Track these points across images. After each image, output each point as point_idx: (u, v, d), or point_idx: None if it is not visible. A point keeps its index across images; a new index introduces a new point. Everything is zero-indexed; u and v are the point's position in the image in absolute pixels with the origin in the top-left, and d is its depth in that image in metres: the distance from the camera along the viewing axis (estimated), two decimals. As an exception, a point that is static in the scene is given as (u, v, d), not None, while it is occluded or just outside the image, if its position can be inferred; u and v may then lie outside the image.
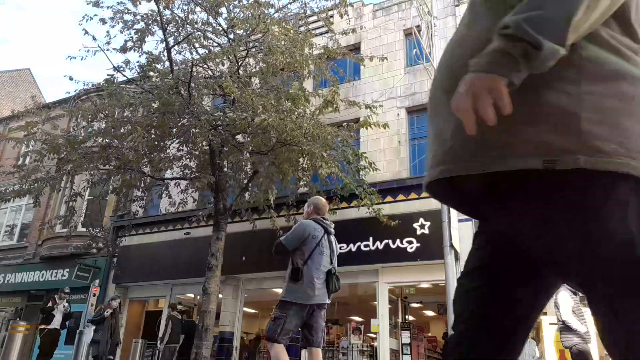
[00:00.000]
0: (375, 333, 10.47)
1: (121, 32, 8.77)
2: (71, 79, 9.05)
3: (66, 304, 10.16)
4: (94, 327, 9.95)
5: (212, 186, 9.52)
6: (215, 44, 9.94)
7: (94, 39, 8.45)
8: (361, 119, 9.36)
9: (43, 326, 9.81)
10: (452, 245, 8.39)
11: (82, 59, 8.61)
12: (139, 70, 9.12)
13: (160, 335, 11.06)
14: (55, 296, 10.16)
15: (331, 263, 4.11)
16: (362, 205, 9.26)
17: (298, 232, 4.08)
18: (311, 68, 9.73)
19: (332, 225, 4.36)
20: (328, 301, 3.99)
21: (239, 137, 9.58)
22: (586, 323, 6.15)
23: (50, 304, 9.95)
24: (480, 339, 1.13)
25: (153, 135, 9.12)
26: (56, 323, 9.89)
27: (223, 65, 9.77)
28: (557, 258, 0.99)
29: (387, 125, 9.31)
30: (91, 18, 8.53)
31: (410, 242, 10.13)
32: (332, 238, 4.29)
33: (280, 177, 9.64)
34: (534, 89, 0.94)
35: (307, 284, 3.86)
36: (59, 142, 9.45)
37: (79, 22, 8.64)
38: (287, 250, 4.06)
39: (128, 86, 10.03)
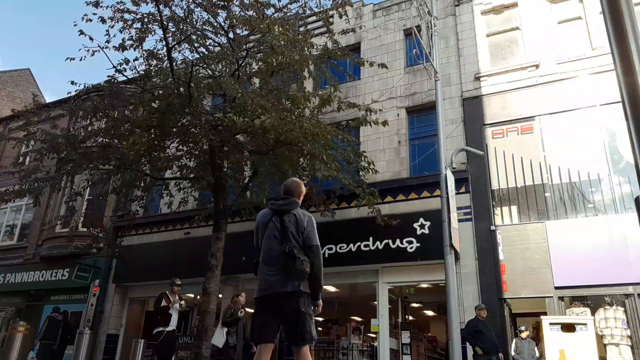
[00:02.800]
0: (375, 333, 10.47)
1: (120, 32, 8.76)
2: (73, 83, 9.02)
3: (182, 302, 8.59)
4: (225, 329, 8.57)
5: (212, 186, 9.52)
6: (215, 44, 9.94)
7: (91, 39, 8.42)
8: (360, 117, 9.36)
9: (161, 328, 8.22)
10: (452, 245, 8.39)
11: (81, 60, 8.58)
12: (140, 70, 9.11)
13: (38, 332, 12.20)
14: (167, 292, 8.54)
15: (285, 243, 3.48)
16: (362, 205, 9.27)
17: (255, 229, 3.79)
18: (311, 68, 9.73)
19: (285, 204, 3.69)
20: (287, 288, 3.39)
21: (239, 137, 9.58)
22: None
23: (164, 303, 8.32)
24: None
25: (153, 135, 9.12)
26: (173, 324, 8.38)
27: (223, 65, 9.77)
28: None
29: (387, 122, 9.31)
30: (90, 20, 8.52)
31: (410, 242, 10.13)
32: (287, 217, 3.60)
33: (279, 177, 9.64)
34: None
35: (260, 275, 3.55)
36: (58, 141, 9.45)
37: (73, 23, 8.61)
38: (258, 248, 3.73)
39: (128, 86, 10.03)
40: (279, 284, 3.40)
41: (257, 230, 3.75)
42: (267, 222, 3.66)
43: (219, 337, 8.54)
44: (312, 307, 3.49)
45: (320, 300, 3.53)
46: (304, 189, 3.91)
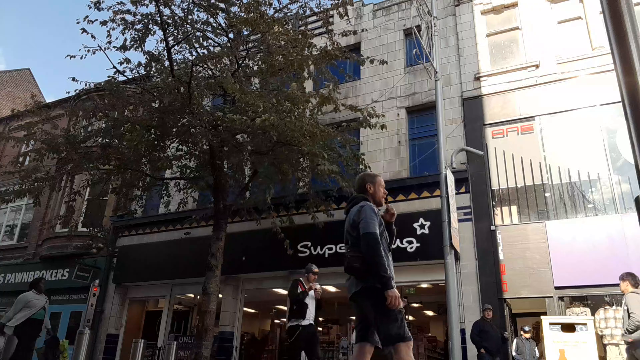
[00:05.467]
0: (375, 333, 10.45)
1: (122, 34, 8.76)
2: (74, 79, 9.01)
3: (317, 286, 6.83)
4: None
5: (212, 186, 9.52)
6: (215, 44, 9.94)
7: (93, 38, 8.43)
8: (360, 118, 9.36)
9: (295, 322, 6.45)
10: (452, 245, 8.39)
11: (81, 58, 8.59)
12: (140, 70, 9.12)
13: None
14: (302, 279, 6.84)
15: (347, 243, 3.36)
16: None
17: None
18: (311, 69, 9.73)
19: (352, 204, 3.46)
20: (354, 289, 3.22)
21: (239, 137, 9.58)
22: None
23: (300, 290, 6.61)
24: None
25: (153, 136, 9.12)
26: (310, 316, 6.57)
27: (223, 64, 9.77)
28: None
29: (385, 126, 9.32)
30: (91, 21, 8.52)
31: (410, 242, 10.13)
32: (349, 215, 3.40)
33: (279, 178, 9.65)
34: None
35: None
36: (58, 141, 9.45)
37: (76, 21, 8.61)
38: None
39: (128, 86, 10.03)
40: (349, 287, 3.27)
41: None
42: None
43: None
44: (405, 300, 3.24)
45: (390, 290, 3.01)
46: (369, 179, 3.55)
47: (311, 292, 6.64)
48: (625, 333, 5.70)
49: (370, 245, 3.09)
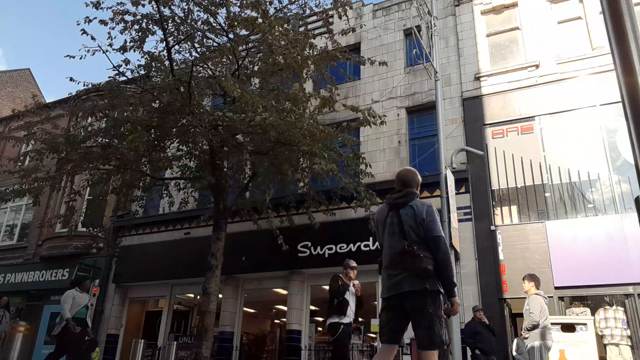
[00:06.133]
0: (375, 333, 10.47)
1: (121, 34, 8.76)
2: (72, 80, 9.01)
3: (356, 282, 6.46)
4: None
5: (212, 186, 9.52)
6: (215, 44, 9.94)
7: (93, 39, 8.43)
8: (360, 118, 9.36)
9: (336, 319, 6.02)
10: (452, 245, 8.39)
11: (81, 58, 8.59)
12: (140, 70, 9.11)
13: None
14: (341, 274, 6.43)
15: (404, 239, 3.25)
16: (360, 206, 9.26)
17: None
18: (311, 68, 9.73)
19: (403, 196, 3.44)
20: (411, 287, 3.15)
21: (239, 137, 9.58)
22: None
23: (339, 283, 6.22)
24: None
25: (153, 136, 9.12)
26: (350, 314, 6.19)
27: (223, 64, 9.77)
28: None
29: (385, 122, 9.30)
30: (91, 21, 8.52)
31: (410, 242, 10.11)
32: (404, 210, 3.36)
33: (279, 178, 9.64)
34: None
35: (383, 274, 3.35)
36: (58, 141, 9.44)
37: (77, 22, 8.61)
38: (381, 247, 3.50)
39: (128, 86, 10.03)
40: (401, 284, 3.16)
41: (377, 228, 3.54)
42: (385, 218, 3.45)
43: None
44: (446, 306, 3.19)
45: (456, 298, 3.18)
46: (420, 178, 3.63)
47: (351, 288, 6.27)
48: (524, 331, 6.38)
49: (444, 250, 3.16)
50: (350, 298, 6.23)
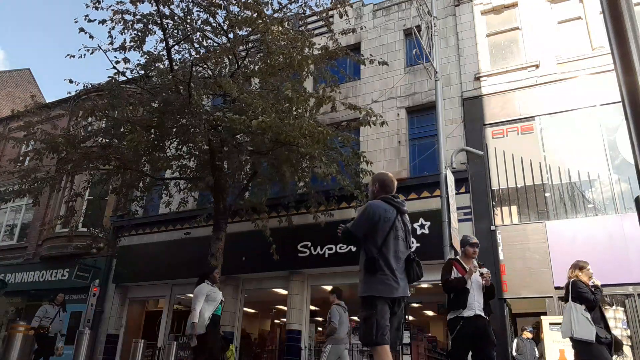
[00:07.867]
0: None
1: (121, 34, 8.76)
2: (71, 81, 9.01)
3: (485, 270, 5.35)
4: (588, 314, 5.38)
5: (212, 187, 9.51)
6: (215, 44, 9.94)
7: (91, 37, 8.43)
8: (360, 117, 9.36)
9: (455, 314, 4.95)
10: (452, 245, 8.39)
11: (80, 57, 8.59)
12: (139, 70, 9.11)
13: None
14: (457, 257, 5.68)
15: (409, 247, 3.55)
16: (360, 206, 9.25)
17: (366, 215, 3.50)
18: (311, 68, 9.72)
19: (405, 203, 3.73)
20: (409, 293, 3.46)
21: (239, 137, 9.58)
22: None
23: (456, 273, 5.13)
24: None
25: (153, 136, 9.12)
26: (475, 305, 5.04)
27: (223, 64, 9.76)
28: None
29: (386, 122, 9.30)
30: (91, 20, 8.52)
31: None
32: (406, 218, 3.68)
33: (278, 178, 9.64)
34: None
35: (389, 275, 3.33)
36: (58, 141, 9.44)
37: (74, 20, 8.62)
38: (357, 237, 3.53)
39: (128, 86, 10.03)
40: (404, 289, 3.42)
41: (373, 220, 3.47)
42: (394, 220, 3.54)
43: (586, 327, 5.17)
44: None
45: None
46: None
47: (476, 277, 4.97)
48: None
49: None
50: (475, 286, 4.98)
